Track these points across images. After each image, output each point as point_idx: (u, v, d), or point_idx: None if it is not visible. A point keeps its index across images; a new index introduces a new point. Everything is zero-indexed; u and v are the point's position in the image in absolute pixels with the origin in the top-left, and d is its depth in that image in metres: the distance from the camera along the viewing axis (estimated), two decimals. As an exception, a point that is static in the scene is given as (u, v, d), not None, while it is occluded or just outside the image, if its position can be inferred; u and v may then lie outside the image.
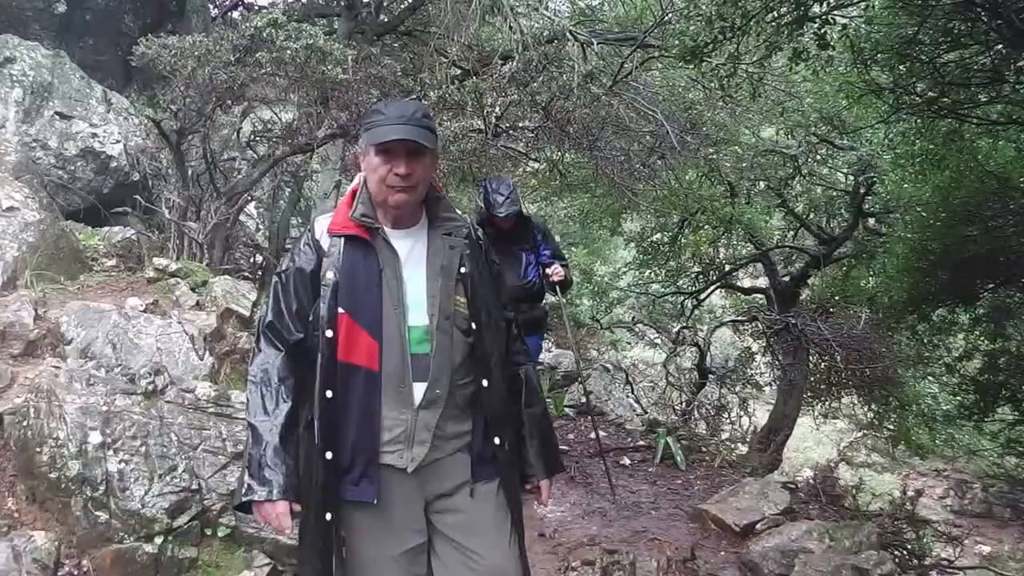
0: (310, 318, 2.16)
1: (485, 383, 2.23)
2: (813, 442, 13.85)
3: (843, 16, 4.96)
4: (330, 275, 2.14)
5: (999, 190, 5.37)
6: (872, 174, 7.91)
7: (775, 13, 4.47)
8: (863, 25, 5.00)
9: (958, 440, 9.46)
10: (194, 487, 3.53)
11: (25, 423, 3.46)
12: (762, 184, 9.55)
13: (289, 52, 5.32)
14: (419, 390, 2.13)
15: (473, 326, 2.22)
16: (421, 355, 2.14)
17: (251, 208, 9.07)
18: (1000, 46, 4.53)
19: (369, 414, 2.12)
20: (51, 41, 7.38)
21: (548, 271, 5.15)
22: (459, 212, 2.46)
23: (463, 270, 2.24)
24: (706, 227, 9.95)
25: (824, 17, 4.50)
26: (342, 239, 2.18)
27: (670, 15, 6.46)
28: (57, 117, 6.69)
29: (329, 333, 2.10)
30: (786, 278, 9.88)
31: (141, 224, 6.62)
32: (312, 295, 2.17)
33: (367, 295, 2.14)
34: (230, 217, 6.15)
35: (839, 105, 7.05)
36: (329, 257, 2.17)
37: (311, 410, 2.13)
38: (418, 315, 2.16)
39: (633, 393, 11.16)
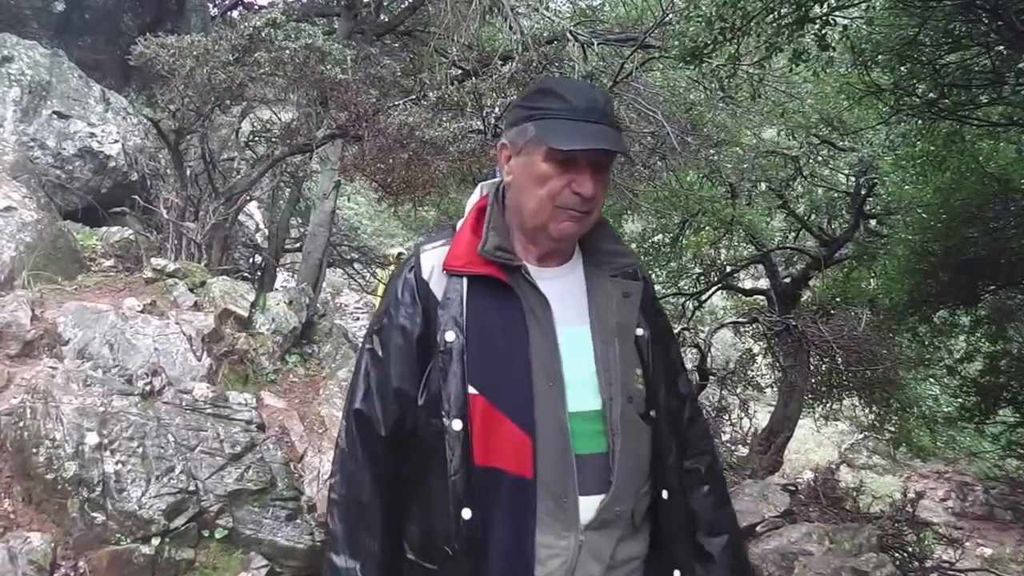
0: (420, 400, 1.52)
1: (665, 494, 1.58)
2: (814, 444, 13.85)
3: (844, 17, 4.96)
4: (451, 335, 1.48)
5: (1000, 192, 5.36)
6: (873, 175, 7.92)
7: (775, 14, 4.46)
8: (864, 26, 5.00)
9: (959, 442, 9.46)
10: (191, 488, 3.51)
11: (21, 424, 3.44)
12: (763, 185, 9.55)
13: (288, 52, 5.30)
14: (588, 506, 1.47)
15: (652, 412, 1.57)
16: (591, 455, 1.48)
17: (252, 208, 9.08)
18: (1001, 48, 4.53)
19: (519, 542, 1.47)
20: (49, 40, 7.37)
21: None
22: (624, 242, 1.81)
23: (640, 331, 1.58)
24: (707, 228, 9.95)
25: (824, 18, 4.49)
26: (465, 280, 1.53)
27: (670, 16, 6.45)
28: (55, 116, 6.68)
29: (458, 424, 1.46)
30: (787, 279, 9.88)
31: (139, 224, 6.61)
32: (421, 365, 1.52)
33: (509, 365, 1.48)
34: (229, 217, 6.14)
35: (840, 106, 7.05)
36: (447, 308, 1.51)
37: (427, 537, 1.53)
38: (584, 395, 1.50)
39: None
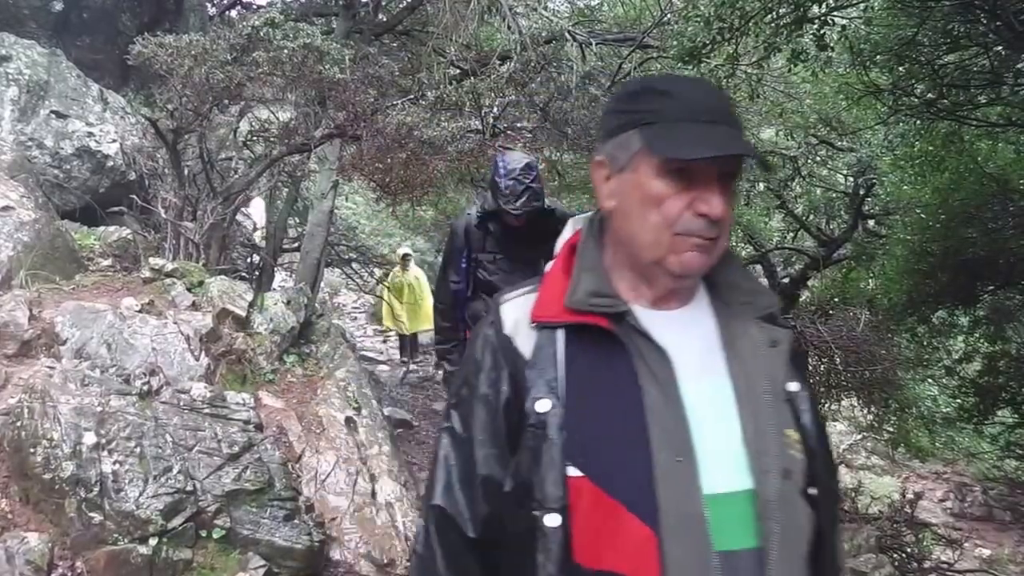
0: (507, 486, 1.20)
1: None
2: (812, 444, 13.82)
3: (842, 17, 4.96)
4: (544, 403, 1.16)
5: (998, 192, 5.37)
6: (872, 175, 7.92)
7: (774, 14, 4.46)
8: (862, 26, 5.00)
9: (958, 443, 9.45)
10: (189, 488, 3.51)
11: (19, 424, 3.44)
12: (761, 185, 9.55)
13: (286, 51, 5.31)
14: None
15: (812, 489, 1.20)
16: (739, 553, 1.12)
17: (257, 203, 9.06)
18: (999, 48, 4.53)
19: None
20: (47, 39, 7.37)
21: None
22: (755, 277, 1.43)
23: (793, 386, 1.22)
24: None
25: (823, 18, 4.49)
26: (560, 333, 1.21)
27: (669, 16, 6.46)
28: (53, 116, 6.67)
29: (555, 520, 1.13)
30: (785, 280, 9.88)
31: (137, 224, 6.60)
32: (510, 443, 1.20)
33: (621, 437, 1.14)
34: (227, 217, 6.13)
35: (838, 106, 7.05)
36: (537, 369, 1.19)
37: None
38: (726, 472, 1.15)
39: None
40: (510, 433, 1.20)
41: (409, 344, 10.81)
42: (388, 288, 10.75)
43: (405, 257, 11.06)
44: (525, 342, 1.23)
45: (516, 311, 1.28)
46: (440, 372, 10.23)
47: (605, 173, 1.24)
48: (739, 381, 1.18)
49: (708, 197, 1.13)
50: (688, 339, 1.21)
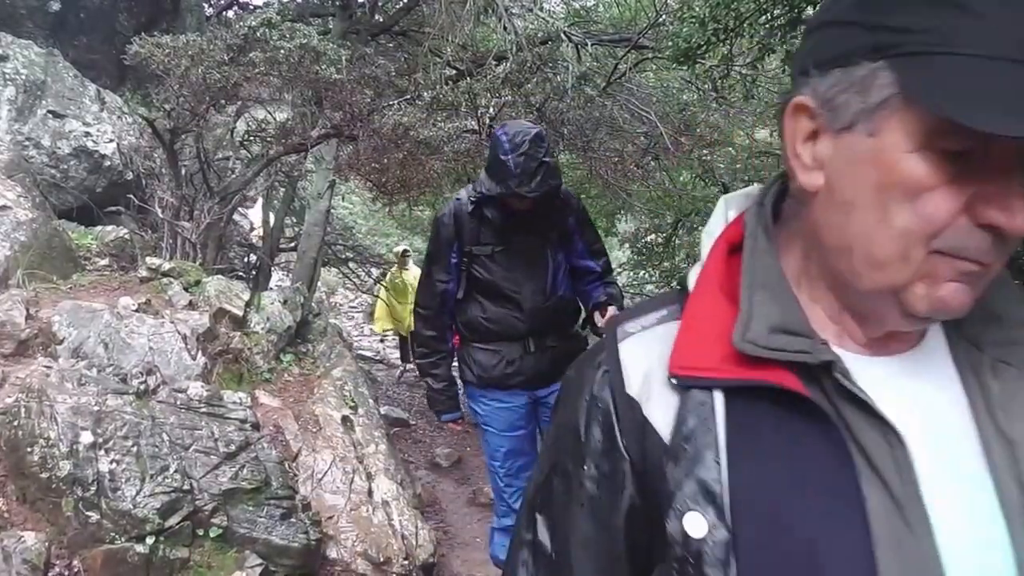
0: None
1: None
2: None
3: (836, 18, 4.96)
4: (698, 522, 0.69)
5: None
6: (865, 176, 7.94)
7: (768, 15, 4.48)
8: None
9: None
10: (186, 487, 3.52)
11: (16, 423, 3.45)
12: (756, 186, 9.56)
13: (283, 52, 5.32)
14: None
15: None
16: None
17: (258, 207, 9.06)
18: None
19: None
20: (45, 39, 7.38)
21: (600, 313, 3.28)
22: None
23: None
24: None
25: (817, 19, 4.50)
26: (719, 397, 0.72)
27: (664, 17, 6.48)
28: (50, 116, 6.68)
29: None
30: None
31: (134, 223, 6.61)
32: (636, 570, 0.78)
33: (828, 565, 0.66)
34: (223, 217, 6.15)
35: (833, 107, 7.06)
36: (686, 460, 0.71)
37: None
38: None
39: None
40: (633, 558, 0.78)
41: (411, 346, 10.61)
42: (387, 288, 10.47)
43: (404, 255, 10.72)
44: (661, 409, 0.75)
45: (646, 356, 0.78)
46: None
47: (809, 127, 0.71)
48: (1010, 480, 0.69)
49: (1004, 197, 0.64)
50: (923, 408, 0.72)
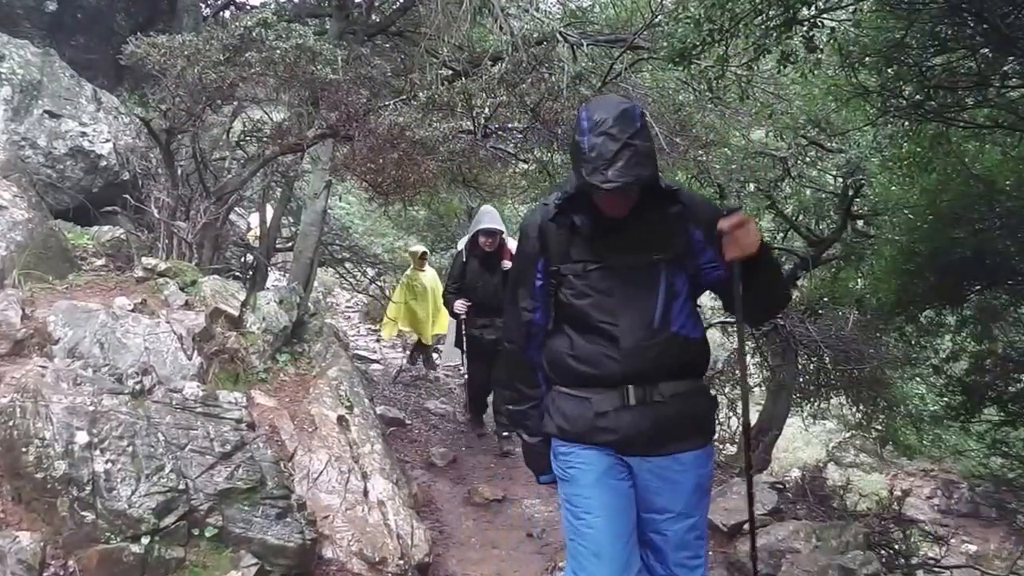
0: None
1: None
2: (802, 442, 13.94)
3: (831, 19, 4.99)
4: None
5: (985, 193, 5.41)
6: (860, 176, 7.96)
7: (764, 16, 4.49)
8: (851, 29, 5.04)
9: (945, 440, 9.51)
10: (181, 487, 3.53)
11: (11, 423, 3.46)
12: (752, 186, 9.58)
13: (279, 52, 5.32)
14: None
15: None
16: None
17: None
18: (986, 50, 4.57)
19: None
20: (41, 39, 7.38)
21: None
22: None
23: None
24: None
25: (812, 20, 4.52)
26: None
27: (659, 17, 6.49)
28: (46, 116, 6.68)
29: None
30: (776, 279, 9.88)
31: (130, 224, 6.61)
32: None
33: None
34: (220, 217, 6.15)
35: (828, 108, 7.08)
36: None
37: None
38: None
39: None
40: None
41: (430, 351, 10.43)
42: (404, 290, 10.09)
43: (423, 257, 10.39)
44: None
45: None
46: (431, 372, 10.24)
47: None
48: None
49: None
50: None
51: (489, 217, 6.73)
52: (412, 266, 10.36)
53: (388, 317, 10.55)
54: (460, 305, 6.68)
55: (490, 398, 7.20)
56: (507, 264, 6.22)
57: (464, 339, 6.93)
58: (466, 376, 7.38)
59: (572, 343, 2.57)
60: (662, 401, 2.51)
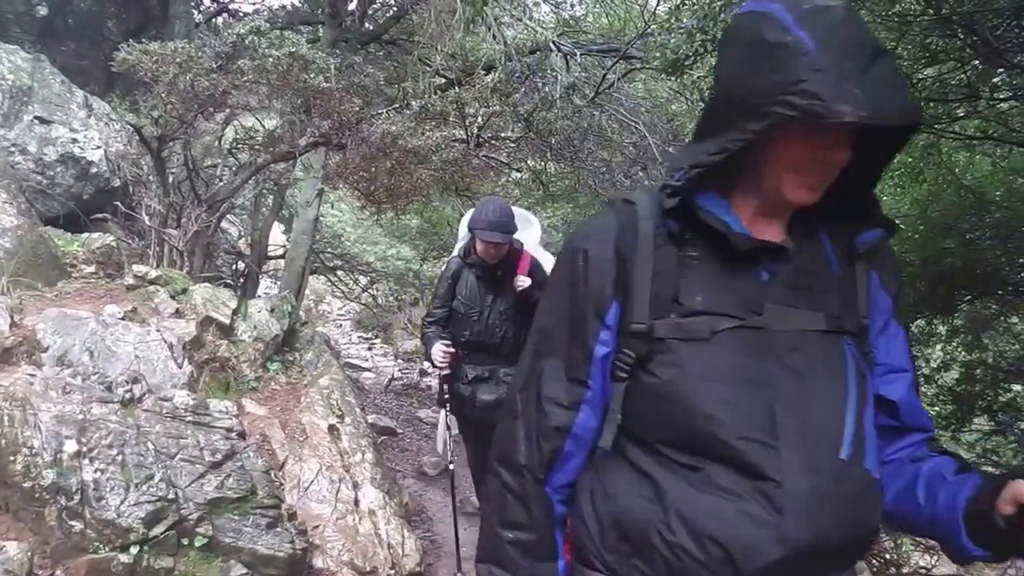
0: None
1: None
2: (794, 452, 13.94)
3: (823, 31, 5.01)
4: None
5: (975, 203, 5.44)
6: (852, 186, 8.00)
7: (756, 27, 4.51)
8: (842, 40, 5.06)
9: (936, 450, 9.54)
10: (171, 496, 3.50)
11: (-1, 431, 3.42)
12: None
13: (272, 60, 5.32)
14: None
15: None
16: None
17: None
18: (976, 62, 4.60)
19: None
20: (32, 45, 7.35)
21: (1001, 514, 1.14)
22: None
23: None
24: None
25: (804, 31, 4.54)
26: None
27: (652, 27, 6.51)
28: (37, 122, 6.65)
29: None
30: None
31: (121, 231, 6.59)
32: None
33: None
34: (211, 224, 6.13)
35: (819, 118, 7.12)
36: None
37: None
38: None
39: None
40: None
41: None
42: None
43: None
44: None
45: None
46: (423, 380, 10.20)
47: None
48: None
49: None
50: None
51: (495, 209, 4.09)
52: None
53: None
54: (440, 352, 4.23)
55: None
56: (523, 281, 4.13)
57: (448, 401, 4.45)
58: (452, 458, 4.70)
59: (661, 489, 1.26)
60: None
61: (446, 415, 4.52)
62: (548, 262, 4.41)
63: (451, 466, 4.56)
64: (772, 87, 1.15)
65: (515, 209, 4.34)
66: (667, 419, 1.26)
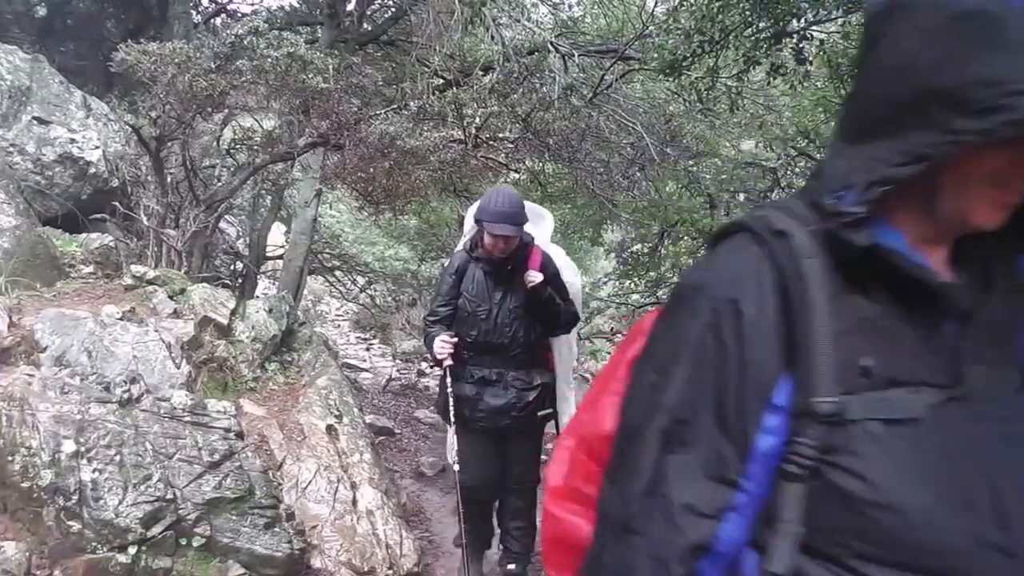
0: None
1: None
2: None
3: (820, 32, 5.03)
4: None
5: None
6: (849, 187, 8.00)
7: (753, 28, 4.53)
8: (840, 41, 5.08)
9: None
10: (169, 496, 3.50)
11: (-3, 431, 3.43)
12: (741, 196, 9.64)
13: (270, 60, 5.33)
14: None
15: None
16: None
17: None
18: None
19: None
20: (31, 45, 7.34)
21: None
22: None
23: None
24: (686, 238, 10.00)
25: (802, 33, 4.56)
26: None
27: (650, 29, 6.53)
28: (35, 122, 6.65)
29: None
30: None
31: (119, 231, 6.58)
32: None
33: None
34: (209, 225, 6.13)
35: (817, 119, 7.13)
36: None
37: None
38: None
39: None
40: None
41: None
42: None
43: None
44: None
45: None
46: (420, 380, 10.20)
47: None
48: None
49: None
50: None
51: (504, 199, 3.78)
52: None
53: None
54: (442, 345, 3.89)
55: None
56: (535, 276, 3.83)
57: (451, 403, 3.97)
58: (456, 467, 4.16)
59: None
60: None
61: (453, 432, 4.19)
62: (560, 258, 4.22)
63: (455, 466, 4.15)
64: (1009, 73, 0.84)
65: (526, 203, 4.03)
66: (873, 530, 0.92)
